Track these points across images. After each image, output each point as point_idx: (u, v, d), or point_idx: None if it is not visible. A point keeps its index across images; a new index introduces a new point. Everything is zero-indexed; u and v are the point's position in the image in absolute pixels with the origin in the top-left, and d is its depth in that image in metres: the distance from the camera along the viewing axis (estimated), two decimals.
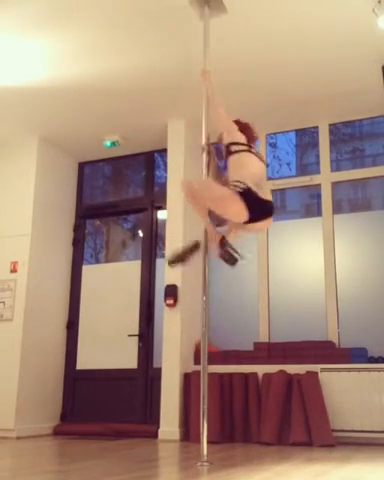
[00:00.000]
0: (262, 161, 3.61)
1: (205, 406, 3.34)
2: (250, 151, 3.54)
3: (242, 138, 3.58)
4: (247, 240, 5.65)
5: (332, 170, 5.55)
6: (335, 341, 5.02)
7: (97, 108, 5.40)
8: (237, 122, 3.68)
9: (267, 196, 3.39)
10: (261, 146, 5.84)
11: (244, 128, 3.65)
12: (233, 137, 3.57)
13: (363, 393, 4.52)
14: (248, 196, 3.26)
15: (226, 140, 3.62)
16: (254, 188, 3.31)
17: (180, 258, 3.69)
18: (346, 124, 5.89)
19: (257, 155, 3.58)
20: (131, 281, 5.91)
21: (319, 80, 4.91)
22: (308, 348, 4.91)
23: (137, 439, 5.02)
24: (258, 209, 3.30)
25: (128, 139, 5.94)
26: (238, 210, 3.27)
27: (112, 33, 4.30)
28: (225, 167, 3.62)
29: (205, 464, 3.19)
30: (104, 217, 6.66)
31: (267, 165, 3.74)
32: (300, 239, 5.58)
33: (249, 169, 3.45)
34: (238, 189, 3.28)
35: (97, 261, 6.88)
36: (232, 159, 3.53)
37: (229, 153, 3.55)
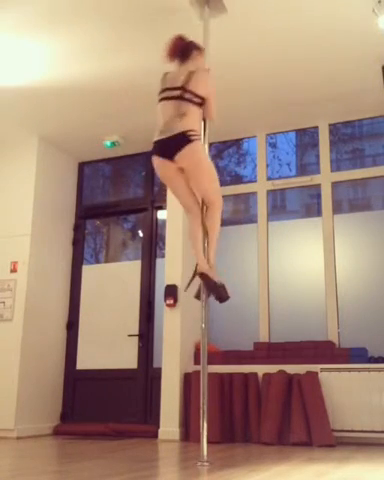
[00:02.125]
0: (173, 95, 3.51)
1: (205, 406, 3.33)
2: (162, 98, 3.55)
3: (166, 80, 3.61)
4: (247, 240, 5.68)
5: (332, 170, 5.56)
6: (335, 341, 5.02)
7: (97, 108, 5.40)
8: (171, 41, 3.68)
9: (180, 129, 3.39)
10: (261, 146, 5.84)
11: (173, 46, 3.71)
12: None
13: (363, 393, 4.52)
14: (155, 149, 3.48)
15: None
16: (158, 136, 3.47)
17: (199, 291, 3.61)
18: (346, 124, 5.89)
19: (169, 97, 3.51)
20: (131, 281, 5.91)
21: (319, 80, 4.91)
22: (308, 348, 4.91)
23: (137, 439, 5.02)
24: (166, 148, 3.45)
25: (128, 139, 5.94)
26: (163, 168, 3.51)
27: (112, 33, 4.30)
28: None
29: (205, 464, 3.19)
30: (104, 217, 6.66)
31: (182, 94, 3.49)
32: (300, 239, 5.58)
33: (158, 121, 3.51)
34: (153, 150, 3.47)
35: (97, 261, 6.87)
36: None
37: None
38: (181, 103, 3.46)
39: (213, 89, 3.60)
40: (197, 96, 3.49)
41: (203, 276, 3.54)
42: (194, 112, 3.47)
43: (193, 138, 3.39)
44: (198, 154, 3.45)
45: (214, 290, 3.50)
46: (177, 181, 3.56)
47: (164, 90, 3.57)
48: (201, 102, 3.52)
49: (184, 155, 3.39)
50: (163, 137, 3.44)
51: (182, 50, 3.68)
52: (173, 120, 3.43)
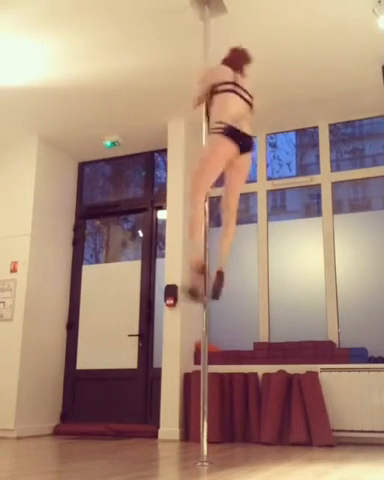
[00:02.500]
0: (245, 97, 3.67)
1: (205, 406, 3.34)
2: (234, 91, 3.63)
3: (227, 75, 3.67)
4: (247, 240, 5.68)
5: (332, 170, 5.56)
6: (335, 341, 5.02)
7: (97, 108, 5.40)
8: (230, 52, 3.81)
9: (248, 131, 3.59)
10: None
11: (233, 57, 3.79)
12: (217, 78, 3.67)
13: (363, 393, 4.52)
14: (230, 131, 3.50)
15: (210, 82, 3.68)
16: (234, 124, 3.53)
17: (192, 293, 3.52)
18: (346, 124, 5.89)
19: (241, 94, 3.65)
20: (131, 281, 5.91)
21: (319, 80, 4.91)
22: (308, 348, 4.91)
23: (137, 439, 5.02)
24: (242, 140, 3.55)
25: (128, 139, 5.94)
26: (228, 147, 3.51)
27: (112, 33, 4.30)
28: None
29: (205, 464, 3.19)
30: (104, 217, 6.66)
31: (251, 105, 3.71)
32: (300, 239, 5.58)
33: (229, 110, 3.59)
34: (220, 130, 3.50)
35: (97, 261, 6.87)
36: (215, 99, 3.64)
37: (214, 93, 3.65)
38: (249, 110, 3.71)
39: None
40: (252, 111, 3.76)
41: (220, 274, 3.58)
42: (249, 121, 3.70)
43: (253, 148, 3.70)
44: (250, 163, 3.78)
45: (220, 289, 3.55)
46: (225, 168, 3.67)
47: (236, 84, 3.65)
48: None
49: (247, 157, 3.66)
50: (240, 129, 3.55)
51: (244, 62, 3.81)
52: (245, 120, 3.62)
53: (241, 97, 3.66)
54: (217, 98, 3.63)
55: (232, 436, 4.74)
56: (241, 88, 3.66)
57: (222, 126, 3.50)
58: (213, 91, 3.66)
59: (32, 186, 5.82)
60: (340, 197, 6.10)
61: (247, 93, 3.69)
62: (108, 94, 5.13)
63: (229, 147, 3.52)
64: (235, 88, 3.63)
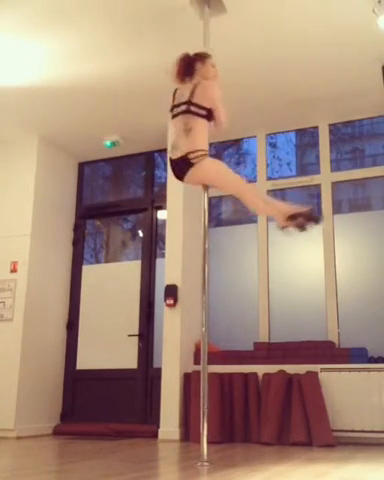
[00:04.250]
0: (178, 111, 3.53)
1: (205, 406, 3.33)
2: (172, 116, 3.59)
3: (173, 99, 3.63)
4: (247, 240, 5.68)
5: (332, 170, 5.56)
6: (335, 341, 5.02)
7: (97, 108, 5.40)
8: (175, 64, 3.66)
9: (184, 149, 3.45)
10: (261, 146, 5.84)
11: (179, 67, 3.65)
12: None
13: (363, 393, 4.52)
14: (171, 166, 3.56)
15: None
16: (170, 154, 3.58)
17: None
18: (346, 124, 5.89)
19: (177, 114, 3.54)
20: (131, 281, 5.91)
21: (319, 80, 4.91)
22: (308, 348, 4.91)
23: (137, 439, 5.02)
24: (174, 169, 3.54)
25: (128, 139, 5.94)
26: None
27: (112, 33, 4.30)
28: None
29: (205, 464, 3.19)
30: (104, 217, 6.66)
31: (189, 110, 3.49)
32: (300, 239, 5.55)
33: (171, 138, 3.61)
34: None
35: (97, 261, 6.87)
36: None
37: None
38: (188, 117, 3.48)
39: (218, 96, 3.55)
40: (202, 108, 3.48)
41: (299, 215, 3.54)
42: (201, 125, 3.48)
43: (194, 161, 3.42)
44: (205, 173, 3.51)
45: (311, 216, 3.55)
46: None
47: (173, 107, 3.60)
48: (207, 113, 3.51)
49: (190, 178, 3.50)
50: (172, 156, 3.54)
51: (185, 68, 3.64)
52: (180, 136, 3.48)
53: (177, 115, 3.54)
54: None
55: (232, 436, 4.74)
56: (176, 105, 3.57)
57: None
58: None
59: (32, 186, 5.82)
60: (340, 197, 6.10)
61: (181, 104, 3.52)
62: (108, 94, 5.13)
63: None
64: (173, 109, 3.60)
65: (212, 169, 3.51)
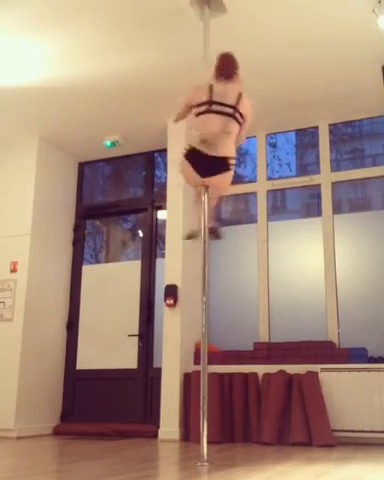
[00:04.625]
0: (222, 113, 3.56)
1: (205, 406, 3.33)
2: (208, 111, 3.57)
3: (203, 95, 3.60)
4: (247, 240, 5.68)
5: (332, 170, 5.56)
6: (335, 341, 5.02)
7: (97, 108, 5.40)
8: (218, 61, 3.70)
9: (223, 152, 3.48)
10: (261, 146, 5.84)
11: (222, 66, 3.69)
12: (195, 101, 3.63)
13: (363, 393, 4.52)
14: (190, 156, 3.48)
15: (188, 105, 3.69)
16: (199, 146, 3.47)
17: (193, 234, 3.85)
18: (346, 124, 5.89)
19: (217, 111, 3.56)
20: (131, 281, 5.91)
21: (319, 80, 4.91)
22: (308, 348, 4.91)
23: (137, 439, 5.02)
24: (204, 165, 3.46)
25: (128, 139, 5.94)
26: (189, 172, 3.51)
27: (112, 33, 4.30)
28: None
29: (205, 464, 3.19)
30: (104, 217, 6.66)
31: (234, 116, 3.56)
32: (300, 239, 5.57)
33: (201, 130, 3.56)
34: (181, 156, 3.50)
35: (97, 261, 6.87)
36: (192, 123, 3.66)
37: (195, 114, 3.63)
38: (230, 121, 3.56)
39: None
40: (243, 118, 3.61)
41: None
42: (236, 133, 3.60)
43: (231, 167, 3.52)
44: (227, 181, 3.60)
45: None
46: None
47: (213, 103, 3.58)
48: (241, 126, 3.64)
49: (216, 180, 3.53)
50: (205, 151, 3.47)
51: (228, 68, 3.70)
52: (219, 136, 3.50)
53: (217, 113, 3.56)
54: (193, 122, 3.64)
55: (232, 436, 4.74)
56: (218, 103, 3.56)
57: (183, 151, 3.50)
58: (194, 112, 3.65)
59: (32, 186, 5.82)
60: (340, 197, 6.11)
61: (227, 105, 3.56)
62: (108, 94, 5.13)
63: (190, 173, 3.50)
64: (211, 106, 3.56)
65: (231, 179, 3.63)
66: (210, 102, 3.58)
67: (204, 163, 3.47)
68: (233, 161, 3.51)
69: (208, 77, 3.70)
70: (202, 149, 3.47)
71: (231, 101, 3.58)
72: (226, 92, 3.60)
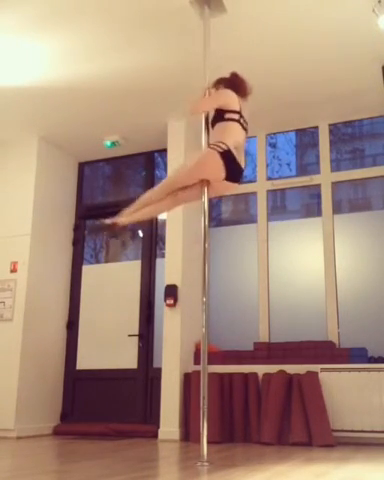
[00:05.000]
0: (245, 130, 3.73)
1: (205, 406, 3.33)
2: (239, 121, 3.66)
3: (237, 104, 3.67)
4: (247, 240, 5.68)
5: (332, 170, 5.56)
6: (335, 341, 5.02)
7: (97, 108, 5.40)
8: (233, 76, 3.79)
9: (242, 162, 3.65)
10: (261, 146, 5.84)
11: (239, 83, 3.77)
12: (229, 105, 3.66)
13: (363, 393, 4.53)
14: (227, 157, 3.51)
15: (220, 104, 3.69)
16: (234, 151, 3.55)
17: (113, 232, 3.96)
18: (346, 124, 5.89)
19: (243, 125, 3.70)
20: (131, 281, 5.91)
21: (319, 80, 4.91)
22: (308, 348, 4.91)
23: (137, 439, 5.02)
24: (233, 170, 3.56)
25: (128, 139, 5.94)
26: (217, 168, 3.50)
27: (112, 33, 4.30)
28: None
29: (205, 464, 3.19)
30: (104, 217, 6.63)
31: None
32: (300, 239, 5.58)
33: (233, 137, 3.61)
34: (219, 149, 3.50)
35: (97, 261, 6.87)
36: (221, 124, 3.66)
37: (220, 118, 3.66)
38: (245, 139, 3.74)
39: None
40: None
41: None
42: None
43: (241, 181, 3.74)
44: (230, 191, 3.88)
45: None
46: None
47: (242, 116, 3.68)
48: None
49: (230, 187, 3.67)
50: (236, 157, 3.57)
51: (246, 90, 3.82)
52: (242, 150, 3.68)
53: (243, 128, 3.69)
54: (224, 124, 3.64)
55: (232, 436, 4.74)
56: (244, 118, 3.70)
57: (223, 147, 3.50)
58: (219, 115, 3.66)
59: (32, 186, 5.82)
60: (340, 197, 6.11)
61: (246, 122, 3.73)
62: (108, 94, 5.13)
63: (218, 168, 3.50)
64: (240, 119, 3.66)
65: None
66: (241, 114, 3.67)
67: (232, 167, 3.55)
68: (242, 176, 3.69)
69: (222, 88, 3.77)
70: (239, 161, 3.60)
71: (247, 120, 3.74)
72: (243, 108, 3.73)
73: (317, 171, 5.64)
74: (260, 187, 5.73)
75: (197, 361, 4.87)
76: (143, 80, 4.91)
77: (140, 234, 6.27)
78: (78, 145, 6.15)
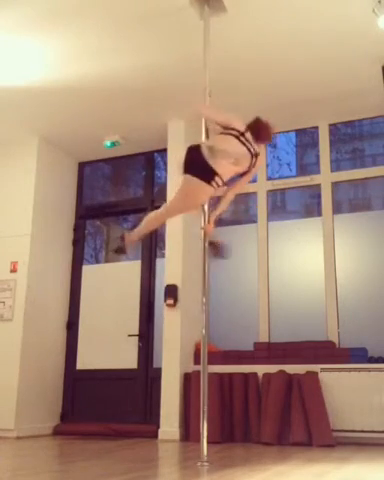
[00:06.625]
0: (249, 149, 3.65)
1: (205, 406, 3.34)
2: (239, 139, 3.61)
3: (241, 127, 3.65)
4: (247, 240, 5.67)
5: (332, 170, 5.55)
6: (335, 341, 5.02)
7: (97, 108, 5.40)
8: (257, 121, 3.75)
9: (216, 166, 3.53)
10: (261, 146, 5.83)
11: (258, 129, 3.71)
12: (231, 124, 3.66)
13: (363, 393, 4.52)
14: (191, 148, 3.54)
15: (219, 123, 3.71)
16: (204, 149, 3.52)
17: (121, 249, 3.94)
18: (346, 124, 5.89)
19: (247, 145, 3.63)
20: (131, 281, 5.91)
21: (319, 80, 4.91)
22: (308, 348, 4.91)
23: (137, 439, 5.02)
24: (190, 162, 3.52)
25: (128, 139, 5.93)
26: (197, 189, 3.50)
27: (112, 33, 4.30)
28: None
29: (205, 464, 3.19)
30: (104, 217, 6.66)
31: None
32: (300, 239, 5.57)
33: (222, 144, 3.57)
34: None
35: (97, 261, 6.88)
36: (222, 135, 3.65)
37: (221, 131, 3.67)
38: (246, 157, 3.66)
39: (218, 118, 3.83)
40: (254, 167, 3.79)
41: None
42: (240, 170, 3.74)
43: (212, 183, 3.60)
44: (203, 195, 3.75)
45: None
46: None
47: (244, 135, 3.65)
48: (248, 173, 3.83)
49: (194, 186, 3.59)
50: (205, 154, 3.53)
51: (266, 139, 3.83)
52: (227, 155, 3.60)
53: (244, 145, 3.61)
54: (221, 136, 3.65)
55: (232, 436, 4.74)
56: (249, 141, 3.63)
57: (193, 145, 3.52)
58: (220, 128, 3.67)
59: (32, 186, 5.82)
60: (340, 197, 6.11)
61: (255, 151, 3.66)
62: (108, 94, 5.13)
63: (198, 189, 3.50)
64: (240, 136, 3.61)
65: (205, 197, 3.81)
66: (242, 133, 3.63)
67: (196, 163, 3.49)
68: (219, 181, 3.50)
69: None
70: (204, 152, 3.49)
71: (255, 149, 3.67)
72: (255, 146, 3.70)
73: (317, 171, 5.64)
74: (260, 187, 5.73)
75: (197, 361, 4.87)
76: (143, 80, 4.91)
77: None
78: (78, 145, 6.15)
